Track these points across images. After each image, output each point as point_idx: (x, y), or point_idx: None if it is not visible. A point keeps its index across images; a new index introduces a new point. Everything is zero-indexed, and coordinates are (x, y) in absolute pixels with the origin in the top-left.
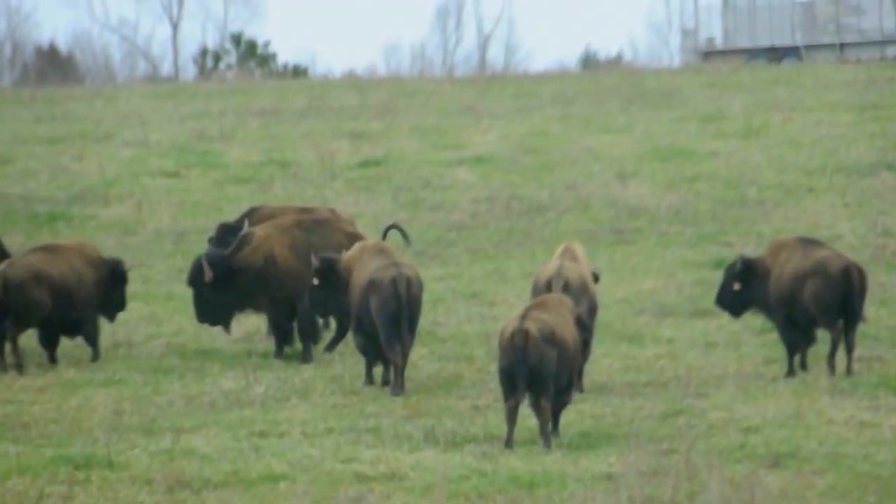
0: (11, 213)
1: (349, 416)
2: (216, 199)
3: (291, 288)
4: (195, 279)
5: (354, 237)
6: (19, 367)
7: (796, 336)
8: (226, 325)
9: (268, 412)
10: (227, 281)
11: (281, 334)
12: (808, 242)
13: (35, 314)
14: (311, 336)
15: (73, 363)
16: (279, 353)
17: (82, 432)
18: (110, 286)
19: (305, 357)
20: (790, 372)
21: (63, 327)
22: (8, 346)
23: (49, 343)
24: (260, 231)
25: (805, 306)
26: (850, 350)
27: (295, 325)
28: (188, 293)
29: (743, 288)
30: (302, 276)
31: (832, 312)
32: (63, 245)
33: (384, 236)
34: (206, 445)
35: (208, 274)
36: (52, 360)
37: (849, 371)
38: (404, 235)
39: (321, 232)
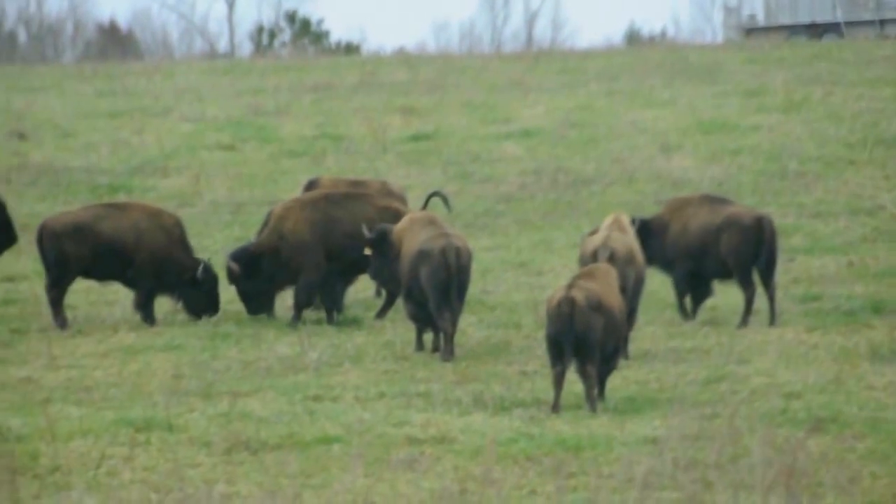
0: (74, 184)
1: (400, 381)
2: (271, 171)
3: (298, 260)
4: (231, 277)
5: (388, 210)
6: None
7: (690, 288)
8: (270, 310)
9: (322, 377)
10: (256, 269)
11: (329, 301)
12: (715, 199)
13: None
14: (303, 306)
15: (133, 329)
16: (329, 318)
17: (143, 396)
18: None
19: (293, 323)
20: (683, 314)
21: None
22: None
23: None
24: (278, 209)
25: (716, 261)
26: (771, 300)
27: (339, 290)
28: None
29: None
30: (311, 248)
31: (748, 267)
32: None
33: (425, 205)
34: (262, 409)
35: (235, 268)
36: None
37: (772, 322)
38: (446, 203)
39: (348, 205)
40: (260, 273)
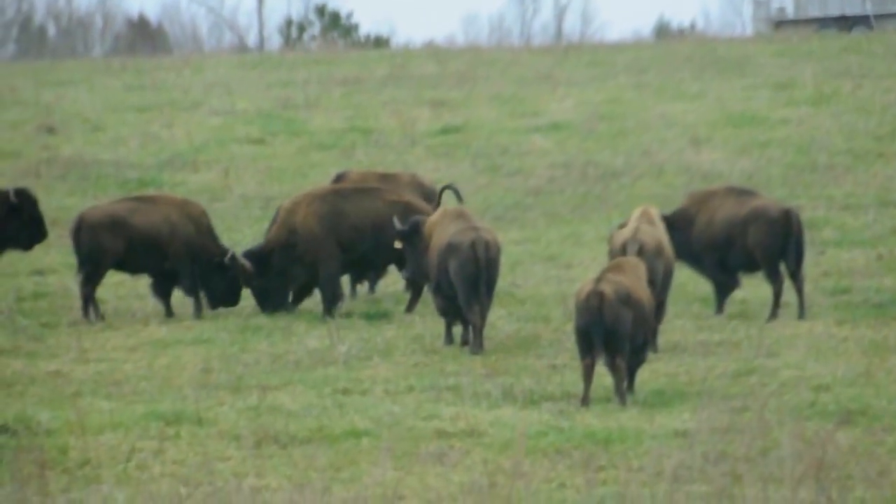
0: (103, 178)
1: (430, 374)
2: (300, 165)
3: (314, 253)
4: (246, 279)
5: (398, 204)
6: None
7: (727, 278)
8: (284, 305)
9: (351, 370)
10: (267, 267)
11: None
12: (740, 191)
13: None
14: (332, 299)
15: (163, 323)
16: (328, 312)
17: (172, 389)
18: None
19: (324, 317)
20: (720, 310)
21: None
22: None
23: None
24: (287, 204)
25: (743, 253)
26: (799, 293)
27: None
28: None
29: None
30: (323, 240)
31: (775, 259)
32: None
33: (439, 198)
34: (291, 402)
35: (248, 267)
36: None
37: (801, 315)
38: (458, 196)
39: (356, 199)
40: (272, 270)
